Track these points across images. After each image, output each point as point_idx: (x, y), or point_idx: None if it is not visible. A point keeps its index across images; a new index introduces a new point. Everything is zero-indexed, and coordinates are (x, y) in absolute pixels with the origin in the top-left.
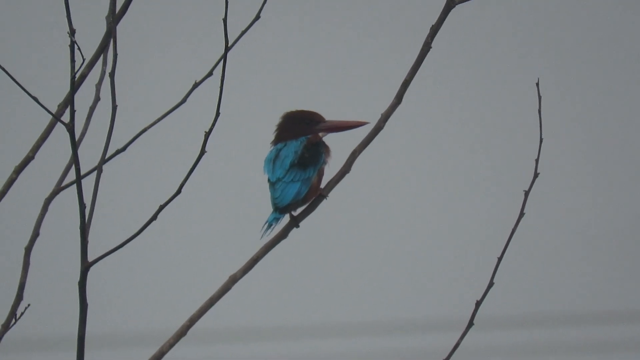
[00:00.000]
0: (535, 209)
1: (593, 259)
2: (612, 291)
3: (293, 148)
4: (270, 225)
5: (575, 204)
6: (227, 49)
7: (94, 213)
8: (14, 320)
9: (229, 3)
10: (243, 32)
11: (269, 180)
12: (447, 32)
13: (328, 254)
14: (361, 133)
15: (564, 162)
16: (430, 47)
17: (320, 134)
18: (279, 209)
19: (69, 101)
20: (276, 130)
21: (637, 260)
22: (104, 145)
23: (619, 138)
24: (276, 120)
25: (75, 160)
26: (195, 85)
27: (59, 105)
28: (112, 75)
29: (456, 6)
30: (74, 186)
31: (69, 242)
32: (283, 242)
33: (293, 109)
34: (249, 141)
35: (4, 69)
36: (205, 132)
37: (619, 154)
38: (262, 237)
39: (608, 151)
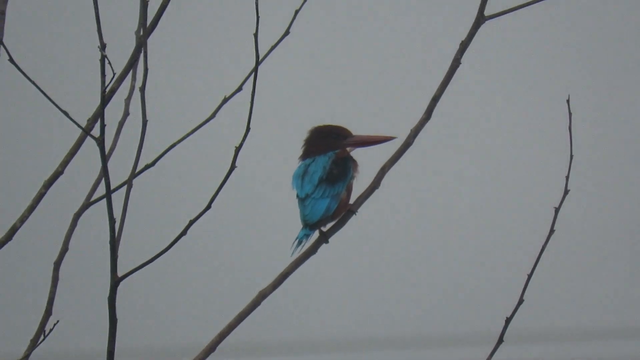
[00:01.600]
0: (566, 226)
1: (623, 276)
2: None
3: (321, 163)
4: (300, 242)
5: (606, 221)
6: (258, 63)
7: (124, 228)
8: (42, 336)
9: (259, 18)
10: (273, 47)
11: (297, 196)
12: (477, 48)
13: (357, 269)
14: (390, 148)
15: (594, 178)
16: (460, 63)
17: (348, 149)
18: (309, 225)
19: (99, 115)
20: (304, 145)
21: None
22: (133, 159)
23: None
24: (305, 135)
25: (105, 174)
26: (225, 100)
27: (88, 120)
28: (142, 89)
29: (486, 22)
30: (104, 201)
31: (98, 257)
32: (312, 258)
33: (321, 123)
34: (279, 156)
35: (34, 83)
36: (236, 147)
37: None
38: (292, 254)
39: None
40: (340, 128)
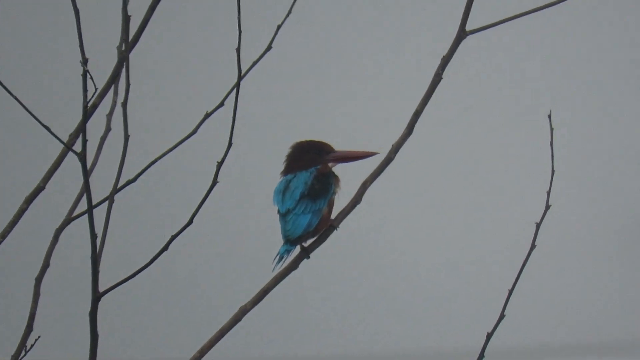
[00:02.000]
0: (547, 241)
1: (605, 291)
2: (623, 322)
3: (303, 179)
4: (282, 258)
5: (587, 237)
6: (240, 78)
7: (105, 243)
8: (24, 351)
9: (242, 33)
10: (255, 63)
11: (279, 211)
12: (459, 63)
13: (338, 285)
14: (372, 164)
15: (576, 194)
16: (442, 78)
17: (330, 164)
18: (290, 241)
19: (81, 130)
20: (286, 160)
21: None
22: (115, 175)
23: (632, 169)
24: (287, 150)
25: (86, 190)
26: (207, 115)
27: (70, 135)
28: (124, 105)
29: (467, 37)
30: (85, 216)
31: (79, 273)
32: (293, 273)
33: (303, 139)
34: (261, 171)
35: (16, 98)
36: (218, 162)
37: (631, 185)
38: (274, 269)
39: (620, 183)
40: (322, 143)
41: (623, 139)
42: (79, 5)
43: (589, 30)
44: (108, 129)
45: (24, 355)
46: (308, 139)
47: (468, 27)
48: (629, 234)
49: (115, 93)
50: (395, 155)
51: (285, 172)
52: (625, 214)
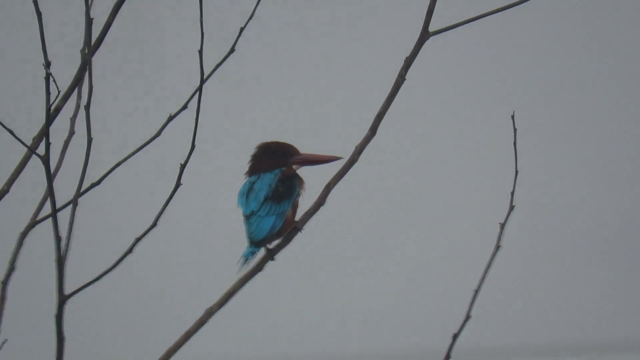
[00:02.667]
0: (512, 242)
1: (569, 291)
2: (587, 321)
3: (267, 181)
4: (246, 260)
5: (551, 237)
6: (203, 81)
7: (70, 246)
8: None
9: (204, 35)
10: (218, 65)
11: (243, 213)
12: (422, 64)
13: (304, 286)
14: (335, 166)
15: (540, 194)
16: (405, 79)
17: (294, 167)
18: (254, 243)
19: (44, 134)
20: (250, 160)
21: (613, 290)
22: (79, 178)
23: (595, 170)
24: (251, 151)
25: (50, 193)
26: (170, 118)
27: (34, 138)
28: (87, 108)
29: (430, 37)
30: (50, 219)
31: (45, 276)
32: (259, 275)
33: (268, 140)
34: (224, 173)
35: None
36: (181, 164)
37: (595, 186)
38: (238, 271)
39: (584, 182)
40: (287, 145)
41: (587, 138)
42: (41, 8)
43: (552, 30)
44: (71, 132)
45: None
46: (273, 140)
47: (431, 28)
48: (594, 233)
49: (79, 96)
50: (358, 157)
51: (249, 173)
52: (590, 214)
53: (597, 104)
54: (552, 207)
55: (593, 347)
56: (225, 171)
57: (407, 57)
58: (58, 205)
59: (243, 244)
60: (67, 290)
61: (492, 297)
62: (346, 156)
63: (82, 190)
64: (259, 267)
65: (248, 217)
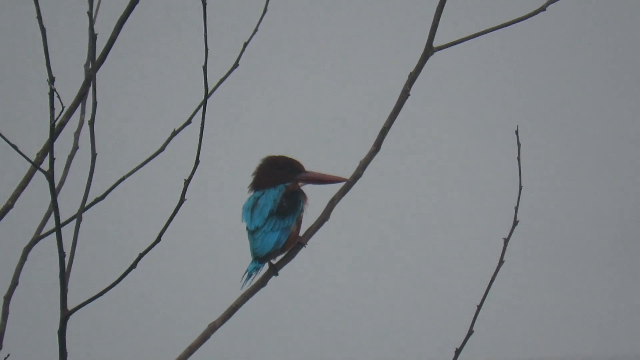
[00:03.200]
0: (515, 257)
1: (572, 306)
2: (591, 337)
3: (272, 196)
4: (250, 275)
5: (555, 252)
6: (207, 96)
7: (74, 261)
8: None
9: (208, 50)
10: (222, 80)
11: (247, 228)
12: (426, 79)
13: (307, 303)
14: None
15: (544, 209)
16: (409, 95)
17: (299, 184)
18: (259, 259)
19: (49, 149)
20: (255, 173)
21: (617, 304)
22: (83, 193)
23: (600, 186)
24: (257, 164)
25: (54, 208)
26: (174, 133)
27: (38, 153)
28: (91, 123)
29: (434, 53)
30: (54, 234)
31: (48, 291)
32: (262, 290)
33: (274, 153)
34: (228, 189)
35: None
36: (185, 180)
37: (598, 201)
38: (242, 287)
39: (587, 199)
40: (294, 161)
41: (592, 153)
42: (45, 24)
43: (555, 45)
44: (75, 147)
45: None
46: (280, 154)
47: (435, 44)
48: (597, 250)
49: (83, 111)
50: (363, 172)
51: (253, 187)
52: (594, 230)
53: (601, 118)
54: (556, 222)
55: None
56: (230, 186)
57: (411, 73)
58: (62, 220)
59: (246, 260)
60: (70, 305)
61: (495, 312)
62: (350, 173)
63: (86, 205)
64: (262, 282)
65: (252, 233)
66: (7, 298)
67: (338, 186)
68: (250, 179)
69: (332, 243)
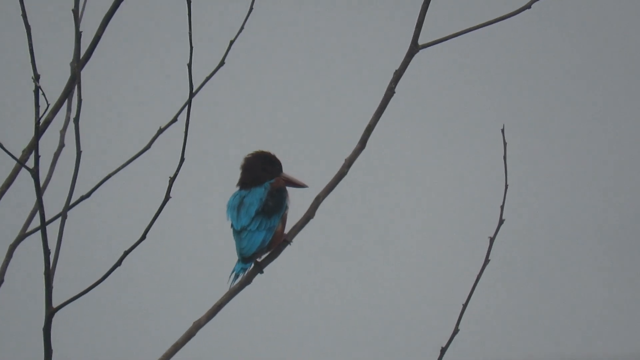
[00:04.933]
0: (501, 256)
1: (557, 305)
2: (575, 336)
3: (258, 195)
4: (237, 276)
5: (540, 250)
6: (192, 94)
7: (59, 259)
8: None
9: (193, 49)
10: (207, 78)
11: (232, 227)
12: (411, 77)
13: (291, 300)
14: (325, 178)
15: (529, 208)
16: (394, 92)
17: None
18: (245, 258)
19: (34, 146)
20: (242, 169)
21: (605, 302)
22: (68, 191)
23: (586, 183)
24: (240, 163)
25: (39, 206)
26: (160, 131)
27: (23, 151)
28: (76, 121)
29: (419, 51)
30: (39, 232)
31: (33, 288)
32: (247, 288)
33: (257, 150)
34: (213, 187)
35: None
36: (170, 177)
37: (583, 200)
38: (229, 286)
39: (573, 197)
40: (273, 157)
41: (578, 151)
42: (30, 22)
43: (540, 43)
44: (61, 145)
45: None
46: (259, 150)
47: (420, 42)
48: (583, 248)
49: (68, 109)
50: (348, 170)
51: (240, 184)
52: (580, 229)
53: (588, 116)
54: (542, 220)
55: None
56: (215, 184)
57: (396, 70)
58: (47, 218)
59: (231, 257)
60: (56, 302)
61: (480, 311)
62: (335, 167)
63: (71, 203)
64: (247, 280)
65: (239, 232)
66: None
67: (323, 183)
68: (237, 175)
69: (317, 240)
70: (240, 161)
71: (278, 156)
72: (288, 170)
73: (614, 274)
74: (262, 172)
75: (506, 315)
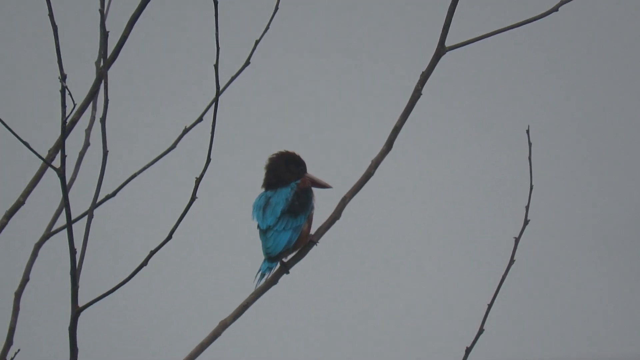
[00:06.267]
0: (526, 256)
1: (583, 306)
2: (601, 336)
3: (284, 195)
4: (263, 275)
5: (566, 251)
6: (218, 94)
7: (85, 258)
8: None
9: (220, 49)
10: (233, 78)
11: (259, 227)
12: (438, 79)
13: (317, 301)
14: (351, 179)
15: (555, 208)
16: (421, 94)
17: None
18: (271, 258)
19: (60, 146)
20: (267, 169)
21: (630, 304)
22: (94, 190)
23: (612, 184)
24: (265, 163)
25: (65, 205)
26: (186, 130)
27: (49, 151)
28: (102, 120)
29: (446, 53)
30: (65, 231)
31: (59, 287)
32: (273, 288)
33: (282, 150)
34: (240, 187)
35: None
36: (196, 178)
37: (608, 202)
38: (256, 286)
39: (598, 198)
40: (298, 157)
41: (602, 153)
42: (57, 22)
43: (567, 46)
44: (87, 145)
45: None
46: (284, 150)
47: (447, 44)
48: (609, 249)
49: (94, 109)
50: (374, 171)
51: (265, 185)
52: (605, 229)
53: (613, 118)
54: (567, 221)
55: None
56: (241, 184)
57: (423, 72)
58: (73, 217)
59: (257, 257)
60: (81, 302)
61: (505, 311)
62: (362, 168)
63: (97, 202)
64: (273, 280)
65: (265, 232)
66: (18, 294)
67: (349, 184)
68: (262, 175)
69: (343, 241)
70: (264, 161)
71: (302, 156)
72: (314, 171)
73: None
74: (286, 172)
75: (531, 315)
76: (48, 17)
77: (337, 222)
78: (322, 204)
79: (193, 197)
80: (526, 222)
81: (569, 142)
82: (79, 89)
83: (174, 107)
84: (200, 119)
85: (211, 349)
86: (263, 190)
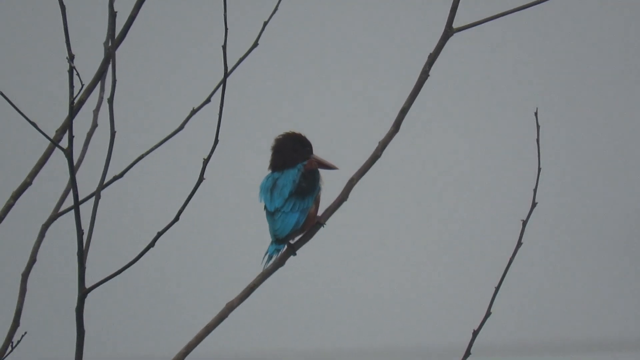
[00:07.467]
0: (533, 239)
1: (589, 288)
2: (609, 319)
3: (291, 177)
4: (271, 257)
5: (573, 234)
6: (226, 75)
7: (92, 239)
8: (10, 347)
9: (228, 30)
10: (241, 59)
11: (266, 209)
12: (446, 60)
13: (324, 282)
14: (358, 161)
15: (562, 191)
16: (428, 75)
17: (314, 159)
18: (279, 240)
19: (68, 127)
20: (273, 151)
21: (634, 289)
22: (101, 171)
23: (619, 168)
24: (271, 145)
25: (73, 185)
26: (194, 111)
27: (57, 131)
28: (110, 101)
29: (454, 34)
30: (72, 212)
31: (66, 268)
32: (280, 270)
33: (288, 131)
34: (247, 168)
35: (2, 94)
36: (204, 159)
37: (616, 184)
38: (263, 268)
39: (606, 181)
40: (304, 138)
41: (610, 136)
42: (65, 2)
43: (575, 28)
44: (94, 125)
45: (11, 351)
46: (290, 131)
47: (455, 25)
48: (616, 232)
49: (102, 89)
50: (382, 153)
51: (272, 166)
52: (613, 212)
53: (622, 101)
54: (575, 204)
55: (614, 345)
56: (248, 166)
57: (430, 53)
58: (80, 198)
59: (264, 239)
60: (88, 283)
61: (513, 294)
62: (369, 150)
63: (104, 183)
64: (280, 262)
65: (272, 214)
66: (25, 275)
67: (357, 166)
68: (269, 157)
69: (350, 223)
70: (271, 142)
71: (309, 138)
72: (320, 152)
73: None
74: (293, 154)
75: (538, 298)
76: None
77: (344, 203)
78: (329, 186)
79: (200, 179)
80: (534, 204)
81: (577, 124)
82: (87, 70)
83: (181, 88)
84: (208, 100)
85: (218, 330)
86: (270, 171)
